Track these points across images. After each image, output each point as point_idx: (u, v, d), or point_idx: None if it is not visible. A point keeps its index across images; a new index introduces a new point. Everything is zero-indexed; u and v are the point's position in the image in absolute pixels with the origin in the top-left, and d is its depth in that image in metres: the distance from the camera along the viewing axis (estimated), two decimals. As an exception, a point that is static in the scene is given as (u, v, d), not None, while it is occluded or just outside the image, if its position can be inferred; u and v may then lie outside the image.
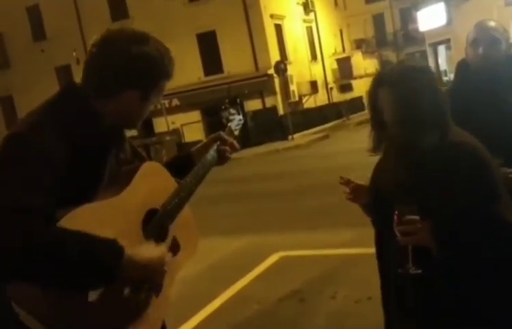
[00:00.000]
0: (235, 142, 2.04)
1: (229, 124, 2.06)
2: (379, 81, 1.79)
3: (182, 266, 1.71)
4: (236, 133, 2.09)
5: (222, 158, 1.99)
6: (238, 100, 2.22)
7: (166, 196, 1.66)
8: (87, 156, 1.47)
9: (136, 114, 1.63)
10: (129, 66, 1.54)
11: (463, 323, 1.70)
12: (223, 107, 2.12)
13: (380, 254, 1.97)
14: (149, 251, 1.46)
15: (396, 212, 1.66)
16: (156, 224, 1.60)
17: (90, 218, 1.37)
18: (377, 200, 1.88)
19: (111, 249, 1.33)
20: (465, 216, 1.62)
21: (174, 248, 1.65)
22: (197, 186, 1.81)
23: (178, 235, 1.67)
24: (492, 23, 2.52)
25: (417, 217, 1.63)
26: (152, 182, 1.63)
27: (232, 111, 2.11)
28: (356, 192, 1.94)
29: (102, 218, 1.41)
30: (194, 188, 1.78)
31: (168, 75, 1.66)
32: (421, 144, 1.73)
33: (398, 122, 1.73)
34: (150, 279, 1.47)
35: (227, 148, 2.00)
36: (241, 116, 2.14)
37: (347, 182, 1.96)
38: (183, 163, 1.92)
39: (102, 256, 1.31)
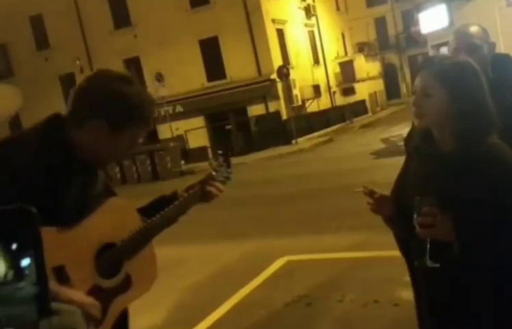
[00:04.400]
0: (220, 186, 2.01)
1: (213, 173, 2.03)
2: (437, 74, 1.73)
3: (129, 302, 1.71)
4: (218, 184, 2.03)
5: (206, 197, 1.98)
6: (229, 153, 2.19)
7: (128, 233, 1.67)
8: (54, 184, 1.51)
9: (105, 148, 1.62)
10: (104, 100, 1.58)
11: (480, 319, 1.68)
12: (214, 157, 2.13)
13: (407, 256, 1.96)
14: (70, 291, 1.45)
15: (416, 205, 1.64)
16: (109, 258, 1.61)
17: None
18: (401, 209, 1.84)
19: None
20: (488, 213, 1.60)
21: (125, 285, 1.66)
22: (165, 227, 1.80)
23: (133, 272, 1.67)
24: (472, 29, 2.49)
25: (435, 210, 1.61)
26: (114, 217, 1.66)
27: (221, 161, 2.09)
28: (380, 203, 1.86)
29: (53, 244, 1.39)
30: (159, 229, 1.78)
31: (144, 120, 1.65)
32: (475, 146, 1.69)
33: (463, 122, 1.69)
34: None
35: (213, 189, 1.97)
36: (230, 170, 2.10)
37: (371, 193, 1.87)
38: (168, 202, 1.89)
39: None
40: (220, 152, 2.13)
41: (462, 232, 1.61)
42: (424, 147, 1.80)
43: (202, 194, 1.95)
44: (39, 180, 1.46)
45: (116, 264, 1.64)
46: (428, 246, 1.65)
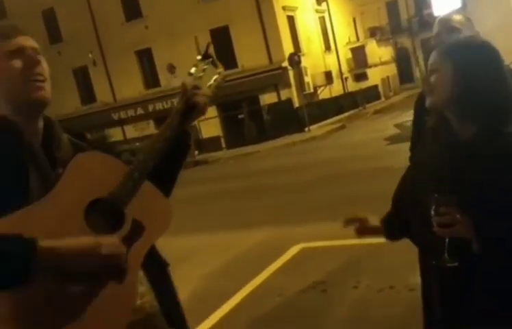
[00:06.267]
0: (206, 90, 1.76)
1: (197, 75, 1.76)
2: (444, 53, 1.69)
3: (148, 245, 1.56)
4: (210, 90, 1.78)
5: (197, 110, 1.74)
6: (209, 51, 1.83)
7: (114, 182, 1.51)
8: (7, 163, 1.44)
9: (3, 88, 1.51)
10: None
11: (498, 321, 1.64)
12: (193, 65, 1.81)
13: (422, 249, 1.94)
14: (76, 238, 1.35)
15: (433, 202, 1.58)
16: (103, 212, 1.47)
17: (11, 228, 1.27)
18: (414, 197, 1.79)
19: (21, 241, 1.24)
20: (510, 211, 1.54)
21: (137, 230, 1.50)
22: (154, 160, 1.61)
23: (139, 215, 1.52)
24: (454, 16, 2.63)
25: (454, 208, 1.55)
26: (90, 173, 1.51)
27: (203, 66, 1.79)
28: (363, 228, 1.95)
29: (26, 224, 1.31)
30: (151, 163, 1.60)
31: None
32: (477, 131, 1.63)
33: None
34: (85, 265, 1.33)
35: (196, 99, 1.73)
36: (220, 69, 1.82)
37: (350, 222, 1.97)
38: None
39: (10, 250, 1.23)
40: (199, 58, 1.83)
41: (482, 231, 1.56)
42: (440, 133, 1.73)
43: (186, 108, 1.73)
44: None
45: (116, 214, 1.49)
46: (447, 244, 1.59)
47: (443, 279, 1.70)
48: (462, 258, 1.58)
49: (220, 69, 1.83)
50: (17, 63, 1.50)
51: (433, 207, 1.58)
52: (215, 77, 1.80)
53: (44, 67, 1.56)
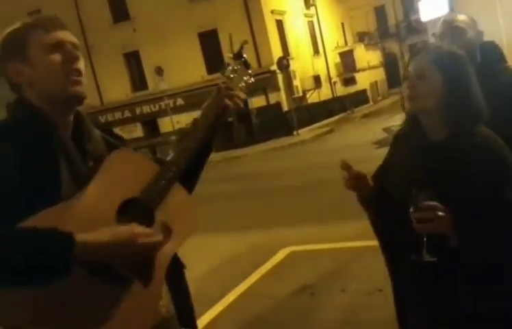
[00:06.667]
0: (241, 93, 1.74)
1: (227, 76, 1.73)
2: (432, 61, 1.73)
3: (175, 249, 1.55)
4: (242, 92, 1.75)
5: (227, 111, 1.73)
6: (243, 51, 1.79)
7: (146, 182, 1.50)
8: (37, 154, 1.42)
9: (43, 81, 1.48)
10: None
11: (478, 316, 1.67)
12: (227, 63, 1.77)
13: (386, 245, 1.95)
14: (113, 229, 1.36)
15: (412, 199, 1.62)
16: (134, 211, 1.46)
17: (46, 223, 1.28)
18: (386, 193, 1.83)
19: (58, 234, 1.26)
20: (487, 206, 1.59)
21: (165, 232, 1.49)
22: (187, 160, 1.61)
23: (168, 218, 1.50)
24: (458, 16, 2.59)
25: (434, 203, 1.60)
26: (123, 171, 1.50)
27: (235, 67, 1.76)
28: (357, 181, 1.83)
29: (58, 221, 1.30)
30: (183, 164, 1.59)
31: (35, 23, 1.53)
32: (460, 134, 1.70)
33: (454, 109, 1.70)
34: (120, 257, 1.35)
35: (229, 102, 1.71)
36: (250, 71, 1.79)
37: (348, 168, 1.83)
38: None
39: (49, 244, 1.25)
40: (231, 56, 1.78)
41: (460, 226, 1.60)
42: (412, 136, 1.79)
43: (221, 109, 1.71)
44: (26, 160, 1.39)
45: (147, 215, 1.48)
46: (425, 240, 1.62)
47: (422, 276, 1.72)
48: (440, 254, 1.62)
49: (251, 70, 1.82)
50: (57, 57, 1.48)
51: (413, 203, 1.61)
52: (245, 78, 1.78)
53: (82, 63, 1.55)
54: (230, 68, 1.76)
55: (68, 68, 1.49)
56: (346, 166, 1.83)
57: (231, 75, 1.75)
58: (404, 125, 1.87)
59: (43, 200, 1.34)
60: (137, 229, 1.37)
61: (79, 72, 1.51)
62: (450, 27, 2.51)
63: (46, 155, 1.44)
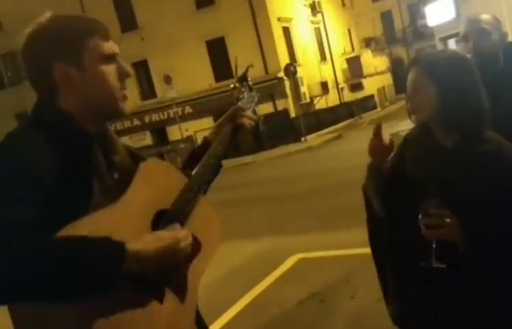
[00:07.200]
0: (252, 115, 1.85)
1: (239, 103, 1.84)
2: (428, 72, 1.72)
3: (206, 263, 1.55)
4: (248, 112, 1.85)
5: (240, 130, 1.81)
6: (248, 74, 1.92)
7: (175, 193, 1.50)
8: (70, 163, 1.34)
9: (92, 89, 1.40)
10: (53, 43, 1.39)
11: (488, 322, 1.66)
12: (232, 86, 1.91)
13: (378, 246, 1.95)
14: (155, 235, 1.34)
15: (421, 206, 1.61)
16: (168, 225, 1.43)
17: (87, 232, 1.24)
18: (395, 192, 1.81)
19: (109, 246, 1.22)
20: (498, 212, 1.59)
21: (195, 247, 1.48)
22: (212, 175, 1.66)
23: (196, 231, 1.49)
24: (483, 16, 2.50)
25: (443, 210, 1.59)
26: (156, 181, 1.47)
27: (242, 89, 1.89)
28: (381, 147, 1.80)
29: (100, 230, 1.26)
30: (207, 177, 1.62)
31: (89, 28, 1.43)
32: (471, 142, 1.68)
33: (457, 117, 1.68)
34: (165, 265, 1.32)
35: (245, 120, 1.81)
36: (253, 93, 1.90)
37: (379, 131, 1.80)
38: (204, 152, 1.72)
39: (101, 254, 1.20)
40: (235, 79, 1.91)
41: (470, 233, 1.59)
42: (423, 140, 1.78)
43: (234, 128, 1.79)
44: (58, 167, 1.31)
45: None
46: (434, 246, 1.62)
47: (430, 282, 1.71)
48: (449, 260, 1.61)
49: (254, 93, 1.92)
50: (111, 68, 1.43)
51: (422, 209, 1.61)
52: (251, 101, 1.90)
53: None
54: (237, 90, 1.89)
55: (121, 83, 1.45)
56: (377, 132, 1.81)
57: (240, 96, 1.86)
58: (415, 129, 1.86)
59: (73, 210, 1.29)
60: (179, 233, 1.37)
61: (126, 89, 1.48)
62: (475, 29, 2.43)
63: (82, 165, 1.39)
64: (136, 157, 1.58)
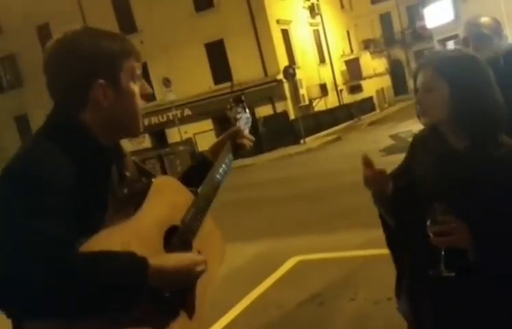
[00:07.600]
0: (250, 136, 1.94)
1: (237, 124, 1.92)
2: (439, 71, 1.68)
3: (213, 279, 1.60)
4: (246, 132, 1.93)
5: (239, 150, 1.91)
6: (243, 97, 2.02)
7: (184, 210, 1.53)
8: (88, 177, 1.34)
9: (120, 107, 1.41)
10: (92, 58, 1.41)
11: (496, 326, 1.64)
12: (228, 106, 1.96)
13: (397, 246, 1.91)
14: (176, 255, 1.38)
15: (429, 212, 1.58)
16: (178, 242, 1.46)
17: (104, 247, 1.24)
18: (404, 198, 1.77)
19: (134, 261, 1.23)
20: (509, 219, 1.55)
21: None
22: (215, 193, 1.70)
23: (203, 248, 1.54)
24: (482, 20, 2.49)
25: (451, 217, 1.55)
26: (167, 198, 1.50)
27: (238, 109, 1.95)
28: (377, 178, 1.76)
29: (117, 245, 1.27)
30: (212, 195, 1.67)
31: (127, 50, 1.45)
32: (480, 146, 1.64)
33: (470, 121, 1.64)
34: (181, 284, 1.37)
35: (245, 141, 1.90)
36: (248, 114, 1.98)
37: (369, 164, 1.76)
38: (201, 170, 1.75)
39: (126, 271, 1.21)
40: (231, 100, 1.98)
41: (479, 240, 1.55)
42: (432, 143, 1.73)
43: (235, 147, 1.88)
44: (74, 181, 1.31)
45: (186, 245, 1.49)
46: (443, 254, 1.58)
47: (438, 289, 1.68)
48: (459, 268, 1.58)
49: (248, 113, 1.99)
50: (137, 88, 1.45)
51: (430, 216, 1.58)
52: (247, 122, 1.98)
53: None
54: (232, 111, 1.95)
55: (144, 103, 1.47)
56: (367, 162, 1.76)
57: (237, 116, 1.93)
58: (423, 132, 1.81)
59: (91, 223, 1.31)
60: (198, 257, 1.42)
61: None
62: (475, 33, 2.41)
63: (101, 179, 1.40)
64: (143, 171, 1.62)
